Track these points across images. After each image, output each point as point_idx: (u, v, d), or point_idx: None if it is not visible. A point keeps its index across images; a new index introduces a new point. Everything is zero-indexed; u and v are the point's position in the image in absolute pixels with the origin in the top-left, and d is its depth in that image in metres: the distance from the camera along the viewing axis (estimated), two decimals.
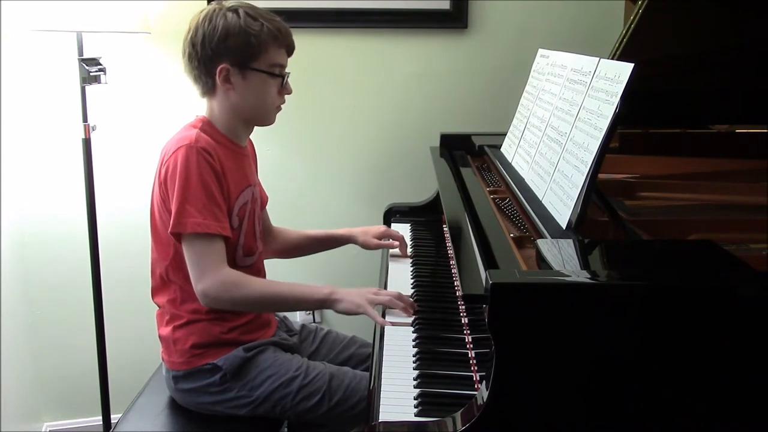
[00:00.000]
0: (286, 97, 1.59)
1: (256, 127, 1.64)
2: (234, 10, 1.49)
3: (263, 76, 1.52)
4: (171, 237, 1.48)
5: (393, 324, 1.42)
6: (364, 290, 1.48)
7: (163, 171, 1.48)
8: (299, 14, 2.21)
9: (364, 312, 1.46)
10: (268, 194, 1.81)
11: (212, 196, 1.45)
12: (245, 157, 1.63)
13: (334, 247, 1.92)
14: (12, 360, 2.12)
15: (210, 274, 1.44)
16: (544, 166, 1.43)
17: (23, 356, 2.25)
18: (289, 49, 1.56)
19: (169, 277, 1.55)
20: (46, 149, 2.18)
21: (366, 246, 1.86)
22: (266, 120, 1.60)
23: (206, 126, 1.54)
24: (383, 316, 1.46)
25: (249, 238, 1.60)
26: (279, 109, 1.59)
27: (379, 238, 1.86)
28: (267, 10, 1.54)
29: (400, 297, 1.48)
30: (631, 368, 0.96)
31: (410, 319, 1.44)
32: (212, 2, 1.60)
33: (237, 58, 1.49)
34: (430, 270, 1.75)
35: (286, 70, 1.57)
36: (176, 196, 1.43)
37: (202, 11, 1.51)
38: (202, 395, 1.55)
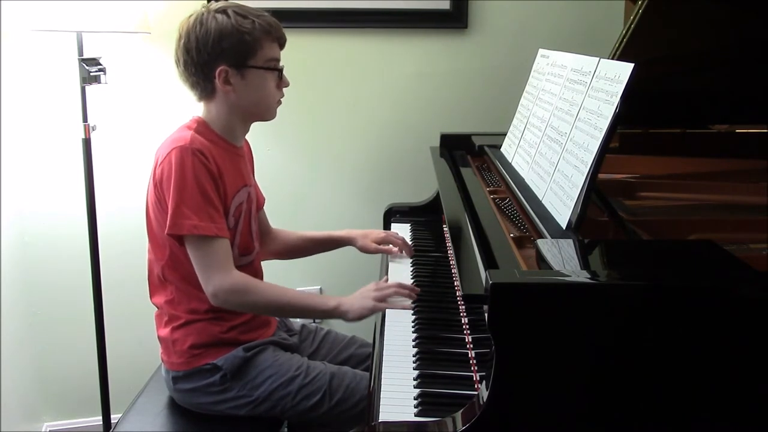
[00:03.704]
0: (286, 95, 1.60)
1: (255, 129, 1.64)
2: (222, 11, 1.49)
3: (261, 73, 1.52)
4: (166, 238, 1.48)
5: (398, 308, 1.50)
6: (365, 291, 1.52)
7: (158, 172, 1.47)
8: (299, 14, 2.22)
9: (374, 311, 1.50)
10: (268, 194, 1.81)
11: (208, 198, 1.45)
12: (241, 158, 1.63)
13: (333, 249, 1.92)
14: (12, 360, 2.12)
15: (217, 277, 1.45)
16: (544, 166, 1.43)
17: (23, 356, 2.24)
18: (281, 42, 1.56)
19: (166, 277, 1.55)
20: (46, 149, 2.18)
21: (364, 250, 1.86)
22: (268, 115, 1.60)
23: (201, 127, 1.54)
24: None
25: (245, 238, 1.61)
26: (279, 103, 1.60)
27: (380, 243, 1.86)
28: (261, 8, 1.54)
29: (399, 291, 1.52)
30: (631, 368, 0.96)
31: (410, 301, 1.52)
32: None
33: (234, 59, 1.49)
34: (430, 270, 1.75)
35: (281, 64, 1.57)
36: (172, 197, 1.43)
37: (190, 17, 1.51)
38: (202, 395, 1.55)
